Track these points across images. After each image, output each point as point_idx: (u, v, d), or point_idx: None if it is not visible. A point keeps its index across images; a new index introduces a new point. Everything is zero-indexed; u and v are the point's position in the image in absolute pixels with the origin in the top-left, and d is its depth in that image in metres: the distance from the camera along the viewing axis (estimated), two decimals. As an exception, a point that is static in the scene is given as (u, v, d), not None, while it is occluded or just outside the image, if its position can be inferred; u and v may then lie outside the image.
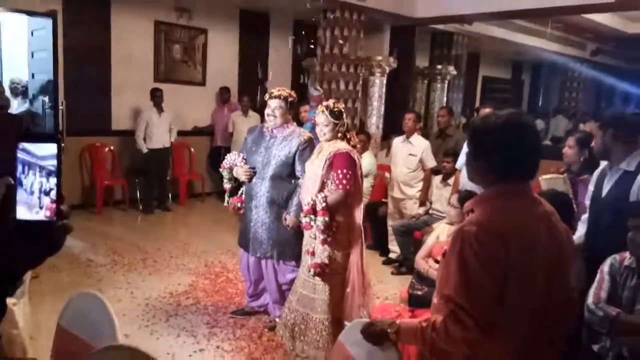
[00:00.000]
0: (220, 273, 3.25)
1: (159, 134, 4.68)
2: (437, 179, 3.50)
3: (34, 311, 2.21)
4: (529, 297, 0.99)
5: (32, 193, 0.53)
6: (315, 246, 2.13)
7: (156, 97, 4.64)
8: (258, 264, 2.45)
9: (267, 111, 2.33)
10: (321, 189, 2.12)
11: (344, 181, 2.08)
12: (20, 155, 0.53)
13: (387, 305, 2.25)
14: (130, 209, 4.74)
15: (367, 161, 3.57)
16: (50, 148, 0.53)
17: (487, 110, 2.67)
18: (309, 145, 2.31)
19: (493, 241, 0.97)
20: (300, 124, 3.32)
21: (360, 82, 5.11)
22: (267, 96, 2.35)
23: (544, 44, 7.02)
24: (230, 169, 2.44)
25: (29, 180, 0.53)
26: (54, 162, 0.53)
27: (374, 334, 1.11)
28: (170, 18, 5.07)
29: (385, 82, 5.23)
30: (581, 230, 2.03)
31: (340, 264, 2.16)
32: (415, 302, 2.13)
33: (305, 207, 2.10)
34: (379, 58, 5.12)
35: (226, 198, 2.54)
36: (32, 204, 0.53)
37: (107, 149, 4.75)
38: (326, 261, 2.11)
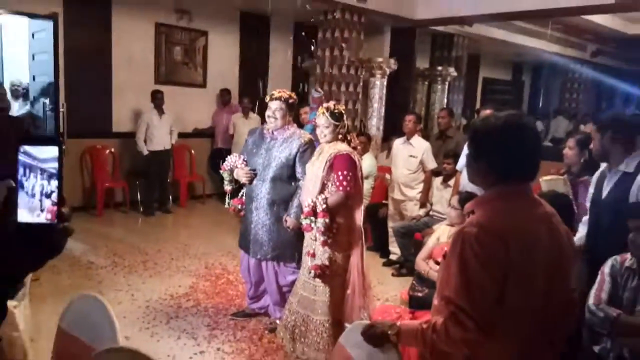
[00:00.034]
0: (220, 275, 3.25)
1: (159, 136, 4.69)
2: (437, 181, 3.50)
3: (34, 313, 2.21)
4: (529, 298, 0.99)
5: (33, 196, 0.53)
6: (315, 248, 2.14)
7: (157, 99, 4.65)
8: (258, 265, 2.45)
9: (267, 113, 2.34)
10: (322, 191, 2.13)
11: (345, 183, 2.08)
12: (22, 157, 0.53)
13: (388, 307, 2.25)
14: (131, 211, 4.75)
15: (367, 163, 3.57)
16: (52, 151, 0.53)
17: (488, 111, 2.69)
18: (310, 147, 2.31)
19: (493, 242, 0.97)
20: (301, 125, 3.33)
21: (361, 84, 5.13)
22: (267, 98, 2.36)
23: (544, 45, 7.04)
24: (231, 171, 2.44)
25: (30, 182, 0.53)
26: (55, 164, 0.53)
27: (375, 335, 1.11)
28: (171, 20, 5.09)
29: (385, 83, 5.23)
30: (582, 231, 2.04)
31: (340, 266, 2.16)
32: (416, 303, 2.13)
33: (306, 209, 2.10)
34: (380, 60, 5.13)
35: (227, 200, 2.55)
36: (34, 207, 0.53)
37: (107, 151, 4.76)
38: (326, 263, 2.11)
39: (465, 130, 5.36)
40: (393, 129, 4.99)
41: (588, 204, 2.03)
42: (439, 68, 6.34)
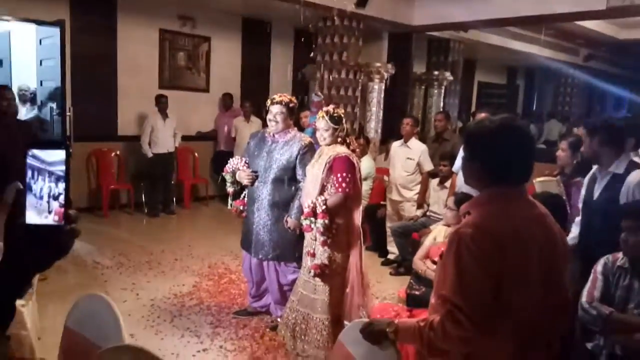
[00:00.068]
0: (223, 274, 3.29)
1: (163, 139, 4.75)
2: (434, 182, 3.55)
3: (41, 312, 2.25)
4: (525, 297, 1.00)
5: (41, 198, 0.53)
6: (315, 248, 2.18)
7: (161, 103, 4.72)
8: (260, 265, 2.49)
9: (268, 117, 2.38)
10: (321, 192, 2.16)
11: (344, 184, 2.12)
12: (30, 161, 0.53)
13: (386, 305, 2.27)
14: (136, 212, 4.80)
15: (366, 165, 3.63)
16: (59, 154, 0.54)
17: (483, 115, 2.75)
18: (310, 150, 2.35)
19: (489, 242, 0.98)
20: (301, 129, 3.41)
21: (360, 88, 5.20)
22: (268, 102, 2.41)
23: (538, 50, 7.09)
24: (233, 173, 2.48)
25: (39, 185, 0.53)
26: (63, 167, 0.53)
27: (373, 333, 1.12)
28: (175, 26, 5.17)
29: (383, 87, 5.31)
30: (574, 231, 2.08)
31: (340, 265, 2.20)
32: (414, 302, 2.16)
33: (306, 210, 2.14)
34: (378, 64, 5.21)
35: (229, 201, 2.59)
36: (42, 209, 0.53)
37: (113, 153, 4.82)
38: (326, 262, 2.15)
39: (461, 133, 5.42)
40: (391, 131, 5.07)
41: (580, 205, 2.07)
42: (436, 72, 6.42)
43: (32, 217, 0.53)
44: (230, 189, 2.55)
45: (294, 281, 2.38)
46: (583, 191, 2.06)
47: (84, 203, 4.60)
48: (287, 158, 2.35)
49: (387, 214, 3.79)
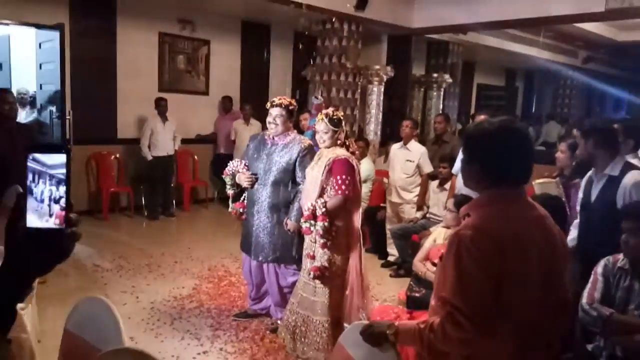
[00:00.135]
0: (223, 277, 3.30)
1: (163, 141, 4.77)
2: (433, 184, 3.55)
3: (41, 315, 2.20)
4: (525, 298, 1.00)
5: (42, 201, 0.53)
6: (315, 250, 2.18)
7: (160, 106, 4.74)
8: (260, 267, 2.50)
9: (268, 119, 2.40)
10: (321, 195, 2.17)
11: (343, 187, 2.13)
12: (31, 164, 0.53)
13: (386, 307, 2.27)
14: (136, 215, 4.81)
15: (365, 167, 3.65)
16: (60, 157, 0.54)
17: (482, 117, 2.77)
18: (309, 152, 2.36)
19: (488, 244, 0.98)
20: (301, 131, 3.41)
21: (359, 91, 5.22)
22: (268, 105, 2.42)
23: (536, 52, 7.13)
24: (233, 176, 2.49)
25: (39, 188, 0.53)
26: (63, 170, 0.53)
27: (373, 335, 1.12)
28: (174, 30, 5.19)
29: (382, 90, 5.33)
30: (573, 233, 2.08)
31: (339, 267, 2.20)
32: (414, 304, 2.16)
33: (306, 212, 2.15)
34: (377, 67, 5.23)
35: (229, 204, 2.60)
36: (42, 212, 0.53)
37: (112, 156, 4.83)
38: (326, 264, 2.16)
39: (461, 135, 5.43)
40: (390, 134, 5.09)
41: (578, 208, 2.08)
42: (435, 75, 6.45)
43: (33, 220, 0.54)
44: (230, 192, 2.56)
45: (294, 283, 2.39)
46: (580, 194, 2.07)
47: (83, 206, 4.60)
48: (287, 160, 2.36)
49: (387, 216, 3.80)
